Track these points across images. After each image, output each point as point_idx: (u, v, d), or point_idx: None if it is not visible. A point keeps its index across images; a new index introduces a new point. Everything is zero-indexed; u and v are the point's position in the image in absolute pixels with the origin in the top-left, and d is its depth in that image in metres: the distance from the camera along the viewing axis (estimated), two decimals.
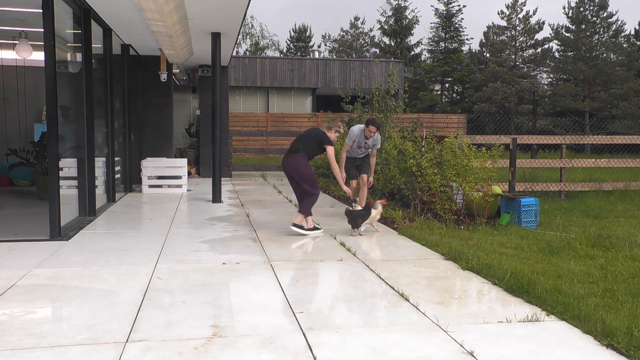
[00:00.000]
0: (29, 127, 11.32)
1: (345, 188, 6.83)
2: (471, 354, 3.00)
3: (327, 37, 49.24)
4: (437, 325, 3.44)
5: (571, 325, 3.46)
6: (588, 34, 34.03)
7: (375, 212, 6.37)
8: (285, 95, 26.51)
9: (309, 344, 3.10)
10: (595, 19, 34.33)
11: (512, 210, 7.10)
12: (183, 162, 10.53)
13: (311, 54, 41.38)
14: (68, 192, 7.10)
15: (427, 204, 7.62)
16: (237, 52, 36.92)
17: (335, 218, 7.48)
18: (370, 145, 7.41)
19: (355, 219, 6.28)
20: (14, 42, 9.02)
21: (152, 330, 3.28)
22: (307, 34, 48.22)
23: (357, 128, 7.43)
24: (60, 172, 6.06)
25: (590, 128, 28.60)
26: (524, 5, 37.45)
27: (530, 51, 37.44)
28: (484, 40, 40.46)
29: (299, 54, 46.19)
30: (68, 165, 7.17)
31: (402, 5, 42.02)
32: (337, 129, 6.71)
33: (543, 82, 37.81)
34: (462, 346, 3.10)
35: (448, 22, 40.20)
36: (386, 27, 42.51)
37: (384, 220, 7.23)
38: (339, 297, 3.98)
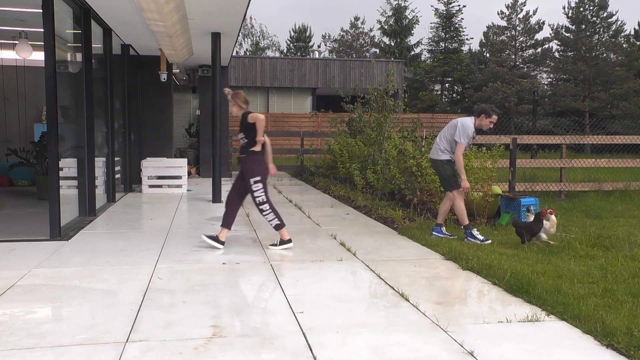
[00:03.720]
0: (29, 127, 11.32)
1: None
2: (471, 354, 3.00)
3: (327, 37, 49.31)
4: (437, 325, 3.44)
5: (571, 325, 3.46)
6: (588, 34, 34.03)
7: (550, 224, 5.68)
8: (285, 95, 26.51)
9: (309, 344, 3.10)
10: (595, 19, 34.33)
11: (512, 210, 7.09)
12: (183, 162, 10.53)
13: (311, 54, 41.39)
14: (68, 192, 7.10)
15: (427, 203, 7.61)
16: (237, 52, 36.92)
17: (335, 218, 7.48)
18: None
19: (524, 234, 5.68)
20: (14, 42, 9.02)
21: (152, 330, 3.28)
22: (307, 34, 48.22)
23: (471, 121, 6.00)
24: (60, 172, 6.06)
25: (590, 128, 28.59)
26: (524, 5, 37.49)
27: (530, 51, 37.45)
28: (484, 40, 40.47)
29: (299, 54, 46.18)
30: (68, 165, 7.16)
31: (402, 5, 42.04)
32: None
33: (543, 82, 37.84)
34: (462, 346, 3.10)
35: (448, 22, 40.20)
36: (386, 27, 42.52)
37: (383, 220, 7.23)
38: (339, 297, 3.98)
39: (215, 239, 5.52)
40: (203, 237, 5.55)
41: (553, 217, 5.70)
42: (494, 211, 7.39)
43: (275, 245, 5.54)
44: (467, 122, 5.93)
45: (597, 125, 26.32)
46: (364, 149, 10.43)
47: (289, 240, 5.55)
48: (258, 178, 5.45)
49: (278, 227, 5.51)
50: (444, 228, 6.23)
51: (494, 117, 5.91)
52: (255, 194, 5.44)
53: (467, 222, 6.00)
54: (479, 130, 6.11)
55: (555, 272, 4.60)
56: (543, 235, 5.69)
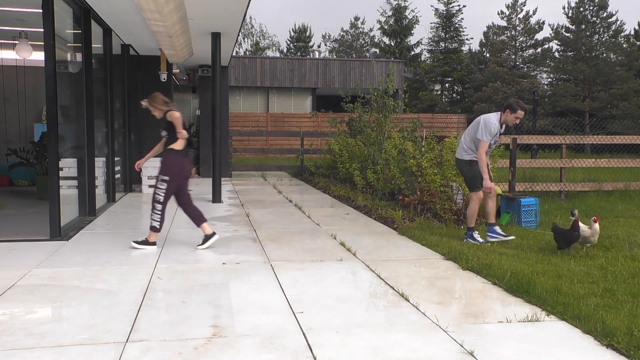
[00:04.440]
0: (29, 127, 11.33)
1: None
2: (471, 354, 3.00)
3: (327, 37, 49.30)
4: (437, 325, 3.44)
5: (571, 325, 3.46)
6: (588, 34, 34.03)
7: (590, 232, 5.37)
8: (285, 95, 26.51)
9: (309, 344, 3.10)
10: (595, 19, 34.34)
11: (512, 210, 7.10)
12: None
13: (311, 54, 41.39)
14: (68, 192, 7.10)
15: (426, 203, 7.61)
16: (237, 52, 36.92)
17: (335, 218, 7.48)
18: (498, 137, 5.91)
19: (559, 240, 5.46)
20: (14, 42, 9.02)
21: (152, 330, 3.28)
22: (307, 34, 48.23)
23: (495, 117, 5.75)
24: (60, 172, 6.07)
25: (590, 128, 28.58)
26: (524, 5, 37.50)
27: (530, 51, 37.47)
28: (484, 40, 40.50)
29: (299, 54, 46.19)
30: (68, 165, 7.17)
31: (402, 5, 42.05)
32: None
33: (543, 82, 37.84)
34: (462, 346, 3.10)
35: (448, 22, 40.21)
36: (386, 27, 42.53)
37: (383, 220, 7.23)
38: (339, 297, 3.98)
39: (207, 237, 5.53)
40: (197, 248, 5.51)
41: (596, 225, 5.36)
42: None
43: (138, 242, 5.47)
44: (490, 119, 5.70)
45: (597, 125, 26.31)
46: (364, 149, 10.43)
47: (154, 244, 5.48)
48: (167, 178, 5.42)
49: (153, 229, 5.45)
50: (497, 227, 5.99)
51: (520, 113, 5.64)
52: (157, 192, 5.42)
53: (472, 225, 5.97)
54: (506, 127, 5.94)
55: (555, 272, 4.60)
56: (585, 244, 5.47)
